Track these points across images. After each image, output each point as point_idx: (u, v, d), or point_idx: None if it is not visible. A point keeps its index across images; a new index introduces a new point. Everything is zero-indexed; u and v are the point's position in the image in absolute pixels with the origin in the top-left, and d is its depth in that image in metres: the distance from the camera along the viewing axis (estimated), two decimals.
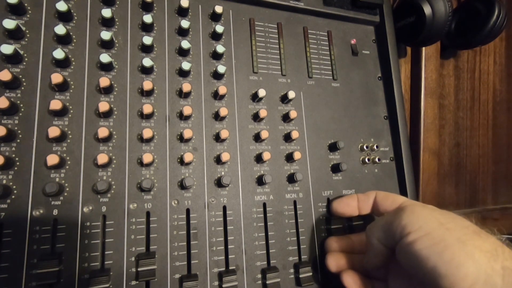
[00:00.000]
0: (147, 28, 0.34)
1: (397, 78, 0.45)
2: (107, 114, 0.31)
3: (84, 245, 0.28)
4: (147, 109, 0.31)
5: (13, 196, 0.27)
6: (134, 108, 0.32)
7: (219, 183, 0.33)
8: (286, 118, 0.38)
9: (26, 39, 0.30)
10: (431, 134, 0.55)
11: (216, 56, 0.37)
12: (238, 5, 0.40)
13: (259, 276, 0.33)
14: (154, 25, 0.35)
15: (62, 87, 0.30)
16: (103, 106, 0.30)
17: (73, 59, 0.31)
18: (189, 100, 0.35)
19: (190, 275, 0.30)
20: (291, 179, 0.37)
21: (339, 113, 0.42)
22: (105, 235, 0.29)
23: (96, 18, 0.33)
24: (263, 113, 0.36)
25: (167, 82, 0.34)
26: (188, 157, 0.32)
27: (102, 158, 0.29)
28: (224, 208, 0.34)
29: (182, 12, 0.36)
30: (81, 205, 0.29)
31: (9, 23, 0.28)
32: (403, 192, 0.43)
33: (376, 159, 0.42)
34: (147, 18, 0.33)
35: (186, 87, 0.33)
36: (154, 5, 0.36)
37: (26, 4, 0.30)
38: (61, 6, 0.30)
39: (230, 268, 0.32)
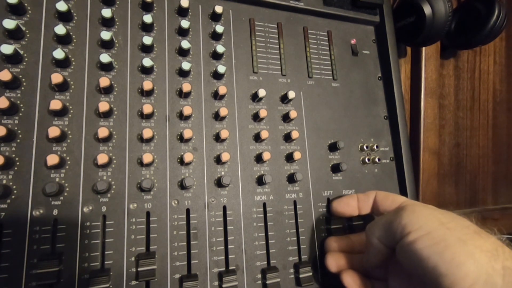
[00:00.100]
0: (147, 28, 0.34)
1: (397, 78, 0.45)
2: (107, 114, 0.31)
3: (84, 245, 0.28)
4: (147, 109, 0.31)
5: (13, 196, 0.27)
6: (134, 108, 0.32)
7: (219, 183, 0.33)
8: (286, 118, 0.38)
9: (26, 39, 0.30)
10: (431, 134, 0.55)
11: (216, 56, 0.37)
12: (238, 5, 0.40)
13: (259, 276, 0.33)
14: (154, 25, 0.35)
15: (62, 87, 0.30)
16: (103, 106, 0.30)
17: (73, 59, 0.31)
18: (189, 100, 0.35)
19: (190, 275, 0.30)
20: (291, 179, 0.37)
21: (339, 113, 0.42)
22: (105, 235, 0.29)
23: (96, 18, 0.33)
24: (263, 113, 0.36)
25: (167, 82, 0.34)
26: (188, 157, 0.32)
27: (102, 158, 0.29)
28: (224, 208, 0.34)
29: (182, 12, 0.36)
30: (81, 205, 0.29)
31: (9, 23, 0.28)
32: (403, 192, 0.43)
33: (376, 159, 0.42)
34: (147, 18, 0.33)
35: (186, 87, 0.33)
36: (154, 5, 0.36)
37: (26, 4, 0.30)
38: (61, 6, 0.30)
39: (230, 268, 0.32)
